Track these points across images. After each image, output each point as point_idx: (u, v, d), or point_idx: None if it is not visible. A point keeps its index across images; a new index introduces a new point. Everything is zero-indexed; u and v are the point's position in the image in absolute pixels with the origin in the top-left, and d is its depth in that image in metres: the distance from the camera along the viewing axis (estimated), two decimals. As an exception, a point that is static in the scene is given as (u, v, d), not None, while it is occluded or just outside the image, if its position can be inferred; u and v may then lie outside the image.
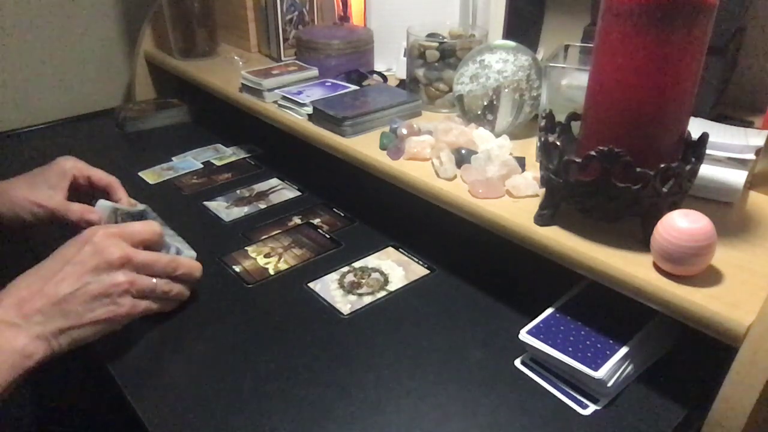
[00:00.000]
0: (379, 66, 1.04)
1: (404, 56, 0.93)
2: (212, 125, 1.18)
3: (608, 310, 0.60)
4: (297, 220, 0.86)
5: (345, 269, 0.75)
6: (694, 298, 0.49)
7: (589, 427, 0.53)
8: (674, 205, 0.54)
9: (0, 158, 1.07)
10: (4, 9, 1.14)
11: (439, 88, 0.86)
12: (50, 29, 1.20)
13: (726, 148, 0.61)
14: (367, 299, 0.69)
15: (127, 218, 0.71)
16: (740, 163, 0.61)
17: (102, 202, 0.70)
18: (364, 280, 0.72)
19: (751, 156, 0.61)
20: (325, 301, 0.69)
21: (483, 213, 0.63)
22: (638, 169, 0.51)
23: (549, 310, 0.61)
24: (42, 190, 0.70)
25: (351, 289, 0.71)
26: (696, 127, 0.57)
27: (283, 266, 0.75)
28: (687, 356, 0.59)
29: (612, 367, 0.54)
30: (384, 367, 0.59)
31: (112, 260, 0.56)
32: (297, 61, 1.00)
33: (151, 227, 0.62)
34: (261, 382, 0.58)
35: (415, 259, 0.77)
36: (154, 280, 0.60)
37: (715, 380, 0.47)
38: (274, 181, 0.98)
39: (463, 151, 0.70)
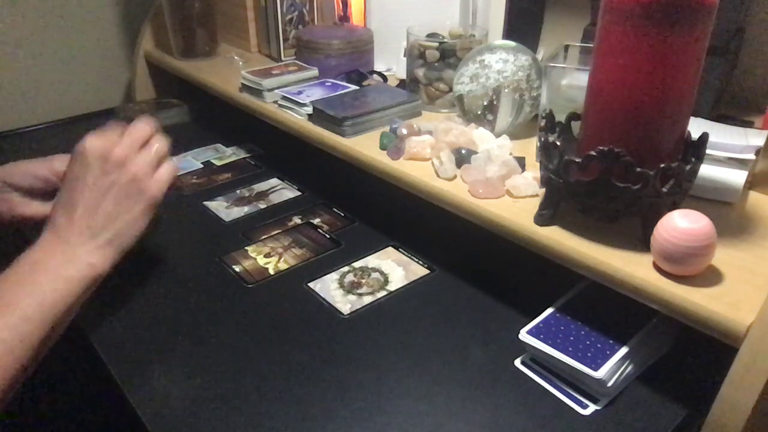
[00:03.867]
0: (379, 66, 1.04)
1: (404, 56, 0.93)
2: (212, 125, 1.18)
3: (608, 310, 0.60)
4: (297, 220, 0.86)
5: (345, 269, 0.75)
6: (694, 298, 0.49)
7: (589, 427, 0.53)
8: (674, 205, 0.54)
9: (0, 158, 1.07)
10: (4, 9, 1.14)
11: (439, 88, 0.86)
12: (50, 29, 1.20)
13: (726, 148, 0.61)
14: (367, 299, 0.69)
15: None
16: (740, 163, 0.61)
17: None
18: (364, 280, 0.73)
19: (751, 156, 0.61)
20: (325, 301, 0.69)
21: (483, 213, 0.63)
22: (638, 169, 0.51)
23: (549, 310, 0.61)
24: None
25: (351, 289, 0.71)
26: (696, 127, 0.57)
27: (283, 266, 0.75)
28: (687, 356, 0.59)
29: (612, 367, 0.54)
30: (384, 367, 0.59)
31: (115, 158, 0.63)
32: (297, 61, 1.00)
33: (138, 128, 0.67)
34: (261, 382, 0.58)
35: (415, 259, 0.77)
36: (155, 146, 0.67)
37: (715, 380, 0.47)
38: (274, 181, 0.98)
39: (463, 151, 0.70)
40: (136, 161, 0.64)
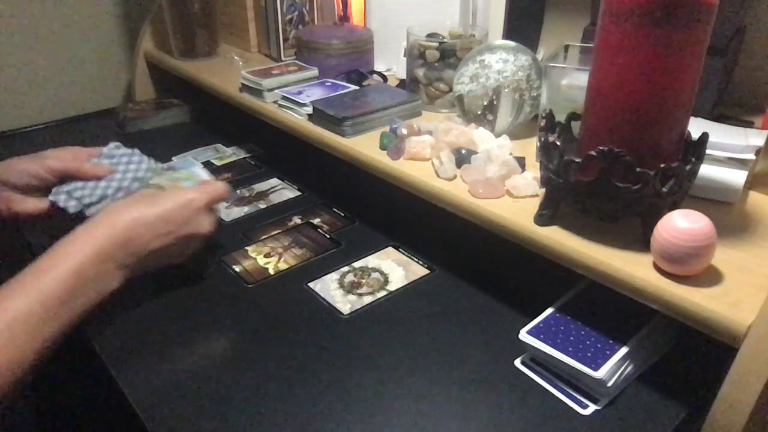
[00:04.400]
0: (379, 66, 1.04)
1: (404, 56, 0.93)
2: (212, 125, 1.18)
3: (608, 310, 0.60)
4: (297, 220, 0.86)
5: (345, 269, 0.75)
6: (694, 298, 0.49)
7: (589, 427, 0.53)
8: (674, 205, 0.54)
9: (0, 158, 1.07)
10: (4, 9, 1.14)
11: (439, 88, 0.86)
12: (50, 29, 1.20)
13: (726, 148, 0.61)
14: (367, 299, 0.69)
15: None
16: (740, 163, 0.61)
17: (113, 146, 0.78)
18: (364, 280, 0.72)
19: (751, 156, 0.61)
20: (325, 301, 0.69)
21: (483, 213, 0.63)
22: (638, 169, 0.51)
23: (549, 310, 0.61)
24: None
25: (351, 289, 0.71)
26: (696, 127, 0.57)
27: (283, 266, 0.75)
28: (687, 356, 0.59)
29: (612, 367, 0.54)
30: (384, 367, 0.59)
31: (201, 235, 0.68)
32: (297, 61, 1.00)
33: (225, 190, 0.73)
34: (261, 382, 0.58)
35: (415, 259, 0.77)
36: (208, 223, 0.70)
37: (715, 380, 0.47)
38: (274, 181, 0.98)
39: (463, 151, 0.70)
40: (206, 223, 0.69)
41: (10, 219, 0.73)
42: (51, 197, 0.73)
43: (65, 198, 0.72)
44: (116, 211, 0.64)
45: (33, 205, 0.73)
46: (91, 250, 0.59)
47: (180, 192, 0.69)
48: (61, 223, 0.67)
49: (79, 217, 0.70)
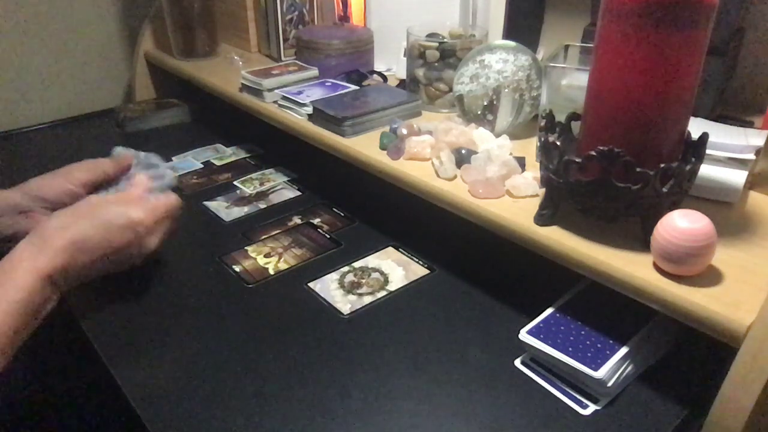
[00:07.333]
0: (379, 66, 1.04)
1: (404, 56, 0.93)
2: (212, 125, 1.18)
3: (608, 310, 0.60)
4: (297, 220, 0.86)
5: (345, 269, 0.75)
6: (694, 298, 0.49)
7: (589, 427, 0.53)
8: (674, 205, 0.54)
9: (0, 158, 1.07)
10: (4, 9, 1.14)
11: (439, 88, 0.86)
12: (50, 29, 1.20)
13: (726, 148, 0.61)
14: (367, 299, 0.69)
15: (144, 167, 0.78)
16: (740, 163, 0.61)
17: (120, 150, 0.78)
18: (364, 280, 0.72)
19: (751, 156, 0.61)
20: (325, 301, 0.69)
21: (483, 213, 0.63)
22: (638, 169, 0.51)
23: (549, 310, 0.61)
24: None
25: (351, 289, 0.71)
26: (696, 127, 0.57)
27: (283, 266, 0.75)
28: (687, 356, 0.59)
29: (612, 367, 0.54)
30: (384, 367, 0.59)
31: (145, 253, 0.67)
32: (297, 61, 1.00)
33: (173, 203, 0.71)
34: (261, 382, 0.58)
35: (415, 259, 0.77)
36: (156, 240, 0.69)
37: (715, 380, 0.47)
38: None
39: (463, 151, 0.70)
40: (153, 241, 0.68)
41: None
42: None
43: None
44: (55, 232, 0.61)
45: None
46: (35, 280, 0.57)
47: (124, 209, 0.65)
48: None
49: None
